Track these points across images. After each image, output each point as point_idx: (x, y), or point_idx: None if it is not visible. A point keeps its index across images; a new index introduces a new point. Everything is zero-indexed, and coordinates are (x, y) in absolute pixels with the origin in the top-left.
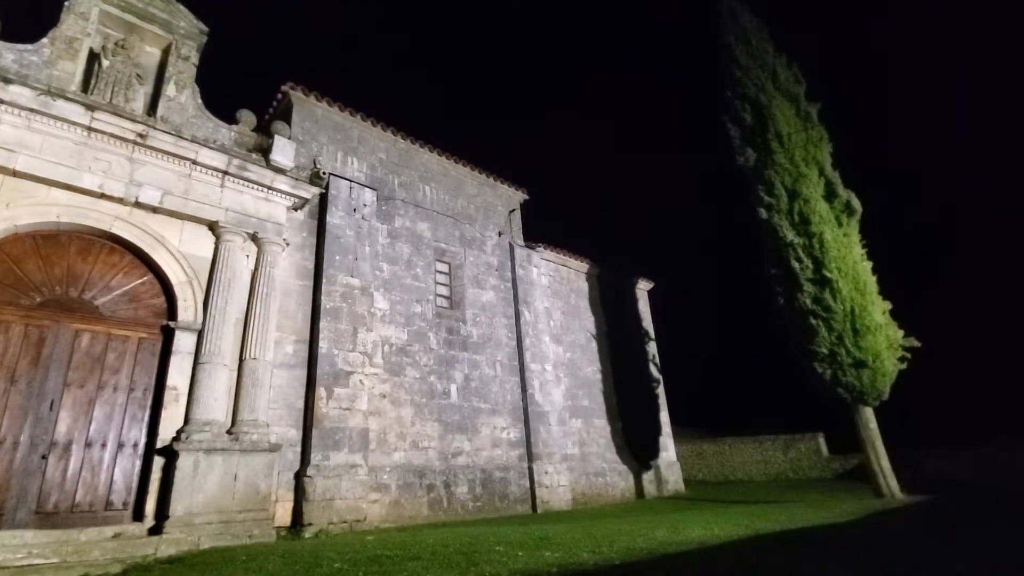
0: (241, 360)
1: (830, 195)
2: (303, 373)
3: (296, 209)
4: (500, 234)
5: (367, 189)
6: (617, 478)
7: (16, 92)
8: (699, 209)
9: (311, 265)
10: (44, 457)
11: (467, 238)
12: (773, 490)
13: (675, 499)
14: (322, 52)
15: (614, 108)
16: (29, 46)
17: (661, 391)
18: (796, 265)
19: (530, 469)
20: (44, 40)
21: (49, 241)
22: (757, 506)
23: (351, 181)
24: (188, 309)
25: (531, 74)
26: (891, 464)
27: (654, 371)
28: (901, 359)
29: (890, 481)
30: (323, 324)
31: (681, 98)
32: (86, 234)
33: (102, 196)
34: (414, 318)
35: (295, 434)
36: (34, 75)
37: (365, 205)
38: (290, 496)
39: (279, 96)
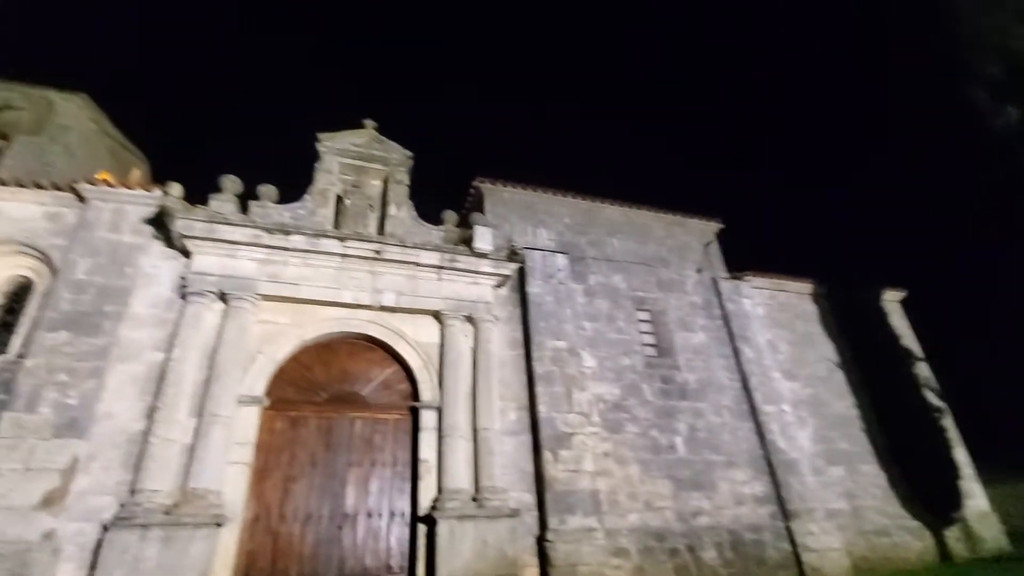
0: (475, 430)
1: None
2: (528, 438)
3: (499, 286)
4: (699, 271)
5: (558, 254)
6: (907, 536)
7: (296, 240)
8: (938, 195)
9: (519, 335)
10: (340, 528)
11: (664, 281)
12: None
13: (1000, 560)
14: (500, 136)
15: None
16: (297, 204)
17: (949, 423)
18: None
19: (788, 529)
20: (306, 196)
21: (326, 348)
22: None
23: (543, 250)
24: (427, 390)
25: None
26: None
27: (932, 398)
28: None
29: None
30: (539, 389)
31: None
32: (349, 338)
33: (357, 306)
34: (624, 371)
35: (529, 498)
36: (303, 224)
37: (559, 269)
38: (534, 561)
39: (471, 191)
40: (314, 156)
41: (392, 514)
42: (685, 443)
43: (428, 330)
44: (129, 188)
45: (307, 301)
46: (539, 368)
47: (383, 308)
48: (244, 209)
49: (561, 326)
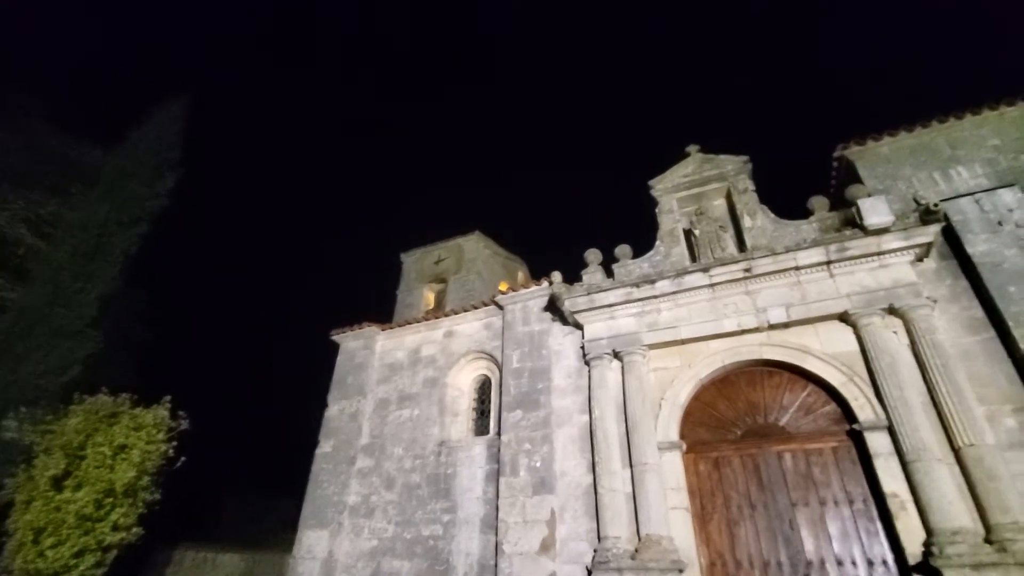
0: (954, 450)
1: None
2: None
3: (920, 260)
4: None
5: (1001, 190)
6: None
7: (661, 286)
8: None
9: (978, 312)
10: None
11: None
12: None
13: None
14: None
15: None
16: (650, 252)
17: None
18: None
19: None
20: (657, 243)
21: (723, 382)
22: None
23: (972, 193)
24: (863, 407)
25: None
26: None
27: None
28: None
29: None
30: None
31: None
32: (745, 367)
33: (742, 332)
34: None
35: None
36: (663, 269)
37: (1011, 209)
38: None
39: (834, 164)
40: (650, 201)
41: (870, 562)
42: None
43: (838, 336)
44: (526, 288)
45: (689, 340)
46: None
47: (772, 327)
48: (609, 274)
49: None
